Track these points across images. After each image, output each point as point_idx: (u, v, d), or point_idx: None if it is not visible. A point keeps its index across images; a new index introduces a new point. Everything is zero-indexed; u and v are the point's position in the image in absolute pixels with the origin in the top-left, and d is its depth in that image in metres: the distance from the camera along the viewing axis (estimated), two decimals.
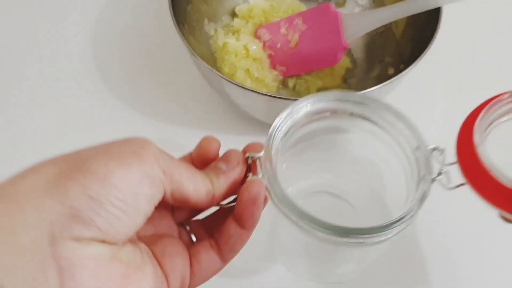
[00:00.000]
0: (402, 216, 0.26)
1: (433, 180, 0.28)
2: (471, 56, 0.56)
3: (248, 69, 0.47)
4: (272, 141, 0.28)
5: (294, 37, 0.48)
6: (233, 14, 0.53)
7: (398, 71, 0.43)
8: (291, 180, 0.35)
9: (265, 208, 0.28)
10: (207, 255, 0.28)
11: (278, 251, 0.37)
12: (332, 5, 0.45)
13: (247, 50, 0.48)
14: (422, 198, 0.27)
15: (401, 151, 0.30)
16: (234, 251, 0.28)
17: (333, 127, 0.32)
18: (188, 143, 0.47)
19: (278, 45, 0.49)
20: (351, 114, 0.31)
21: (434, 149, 0.29)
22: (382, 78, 0.48)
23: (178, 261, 0.27)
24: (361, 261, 0.35)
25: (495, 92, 0.38)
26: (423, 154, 0.28)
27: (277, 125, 0.29)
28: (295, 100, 0.31)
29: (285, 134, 0.29)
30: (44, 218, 0.20)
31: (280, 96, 0.38)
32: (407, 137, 0.29)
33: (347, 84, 0.51)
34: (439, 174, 0.28)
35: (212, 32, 0.52)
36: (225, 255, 0.28)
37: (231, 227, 0.28)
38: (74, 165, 0.22)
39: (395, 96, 0.45)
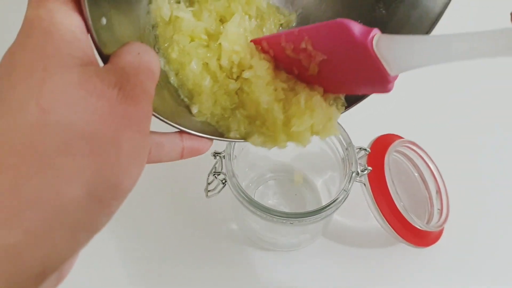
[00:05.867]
0: (329, 203, 0.33)
1: (357, 174, 0.33)
2: None
3: (207, 64, 0.30)
4: (232, 148, 0.35)
5: (312, 67, 0.29)
6: None
7: None
8: (254, 169, 0.43)
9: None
10: None
11: (244, 229, 0.43)
12: (353, 25, 0.24)
13: (210, 37, 0.30)
14: (346, 189, 0.33)
15: (336, 148, 0.36)
16: None
17: None
18: None
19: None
20: None
21: (361, 149, 0.36)
22: None
23: None
24: (306, 234, 0.41)
25: None
26: (352, 153, 0.34)
27: None
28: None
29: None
30: None
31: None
32: (340, 137, 0.35)
33: None
34: (363, 170, 0.34)
35: None
36: None
37: None
38: None
39: None
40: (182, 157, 0.26)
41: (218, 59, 0.29)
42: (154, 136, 0.25)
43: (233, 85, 0.29)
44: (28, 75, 0.18)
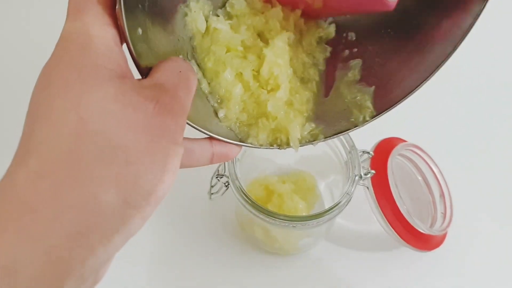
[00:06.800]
0: (332, 207, 0.33)
1: (360, 178, 0.34)
2: None
3: (241, 74, 0.30)
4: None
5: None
6: None
7: None
8: (257, 172, 0.43)
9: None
10: None
11: (246, 232, 0.43)
12: None
13: (247, 50, 0.31)
14: (349, 193, 0.33)
15: (339, 152, 0.37)
16: None
17: None
18: None
19: None
20: None
21: (364, 152, 0.36)
22: None
23: None
24: (309, 237, 0.41)
25: None
26: (355, 156, 0.34)
27: None
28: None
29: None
30: None
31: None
32: (343, 140, 0.36)
33: None
34: (366, 174, 0.34)
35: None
36: None
37: None
38: None
39: None
40: (211, 162, 0.28)
41: (255, 70, 0.30)
42: (185, 143, 0.25)
43: (264, 96, 0.30)
44: (67, 88, 0.19)
